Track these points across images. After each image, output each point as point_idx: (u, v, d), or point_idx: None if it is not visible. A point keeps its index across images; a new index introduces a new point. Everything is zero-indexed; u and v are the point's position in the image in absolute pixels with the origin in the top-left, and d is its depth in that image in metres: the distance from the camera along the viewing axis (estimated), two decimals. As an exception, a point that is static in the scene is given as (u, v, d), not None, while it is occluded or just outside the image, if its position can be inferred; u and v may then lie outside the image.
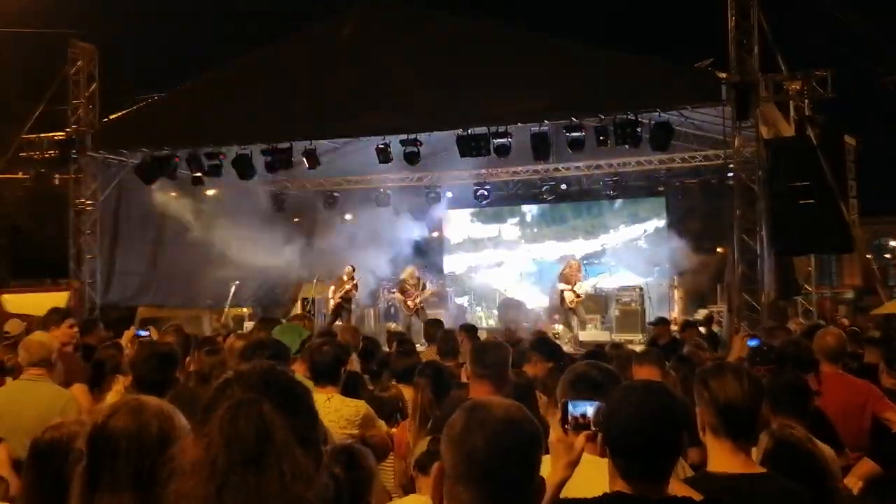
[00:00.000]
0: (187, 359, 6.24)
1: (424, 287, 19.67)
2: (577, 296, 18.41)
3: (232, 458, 1.86)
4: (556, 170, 21.96)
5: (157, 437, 2.37)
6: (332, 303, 19.33)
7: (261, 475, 1.86)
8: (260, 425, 1.91)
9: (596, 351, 8.27)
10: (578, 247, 23.95)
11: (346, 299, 19.33)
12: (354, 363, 7.02)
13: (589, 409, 2.96)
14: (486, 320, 22.87)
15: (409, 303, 19.31)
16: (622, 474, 2.95)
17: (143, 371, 5.25)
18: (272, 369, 2.07)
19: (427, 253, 24.07)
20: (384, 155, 17.12)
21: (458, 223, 25.67)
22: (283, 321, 9.89)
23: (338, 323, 17.72)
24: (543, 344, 7.72)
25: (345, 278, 19.35)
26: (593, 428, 2.94)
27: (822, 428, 4.86)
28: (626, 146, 15.77)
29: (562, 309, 19.18)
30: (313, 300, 20.47)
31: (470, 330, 9.99)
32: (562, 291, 18.74)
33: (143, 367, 5.28)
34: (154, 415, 2.42)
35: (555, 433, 2.95)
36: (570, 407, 2.98)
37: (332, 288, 19.51)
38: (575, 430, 2.94)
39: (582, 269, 19.26)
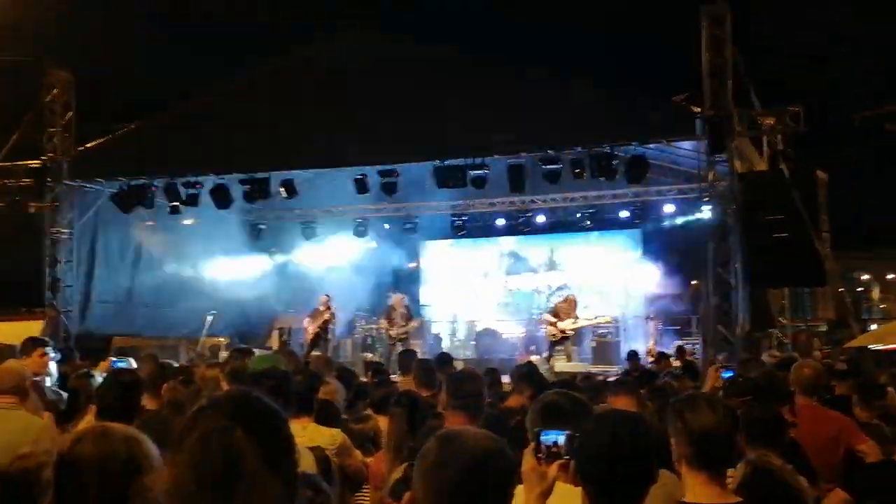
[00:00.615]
0: (163, 387, 6.18)
1: (411, 318, 19.56)
2: (561, 331, 18.37)
3: (200, 486, 1.83)
4: (533, 201, 22.05)
5: (125, 463, 2.33)
6: (309, 333, 19.23)
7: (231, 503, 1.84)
8: (230, 453, 1.88)
9: (567, 381, 8.26)
10: (554, 278, 24.04)
11: (324, 329, 19.22)
12: (336, 393, 6.96)
13: (560, 437, 2.96)
14: (462, 351, 22.84)
15: (393, 332, 19.12)
16: (595, 503, 2.95)
17: (108, 400, 5.20)
18: (247, 396, 2.04)
19: (404, 283, 24.04)
20: (362, 186, 17.16)
21: (435, 254, 25.68)
22: (256, 351, 9.84)
23: (314, 353, 17.63)
24: (530, 375, 7.70)
25: (321, 308, 19.25)
26: (565, 457, 2.94)
27: (797, 459, 4.86)
28: (602, 179, 15.86)
29: (545, 340, 19.30)
30: (290, 330, 20.39)
31: (445, 361, 9.97)
32: (550, 323, 18.82)
33: (108, 395, 5.23)
34: (121, 440, 2.38)
35: (527, 463, 2.94)
36: (541, 436, 2.97)
37: (308, 319, 19.36)
38: (547, 460, 2.93)
39: (577, 306, 19.14)
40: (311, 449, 4.96)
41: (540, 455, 2.93)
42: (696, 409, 3.44)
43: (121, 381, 5.37)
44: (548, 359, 18.34)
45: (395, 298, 19.76)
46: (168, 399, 6.41)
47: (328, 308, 19.18)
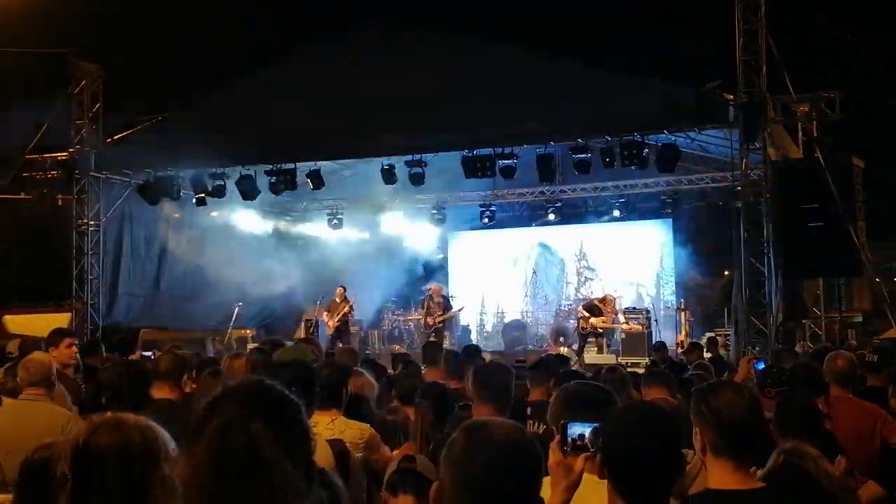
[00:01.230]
0: (183, 378, 6.20)
1: (448, 307, 19.85)
2: (593, 327, 18.45)
3: (221, 477, 1.83)
4: (563, 191, 21.98)
5: (142, 449, 2.34)
6: (329, 327, 19.28)
7: (251, 493, 1.84)
8: (249, 442, 1.89)
9: (594, 374, 8.23)
10: (584, 268, 23.99)
11: (344, 322, 19.29)
12: (368, 386, 6.97)
13: (587, 430, 2.93)
14: (490, 342, 22.86)
15: (430, 319, 19.41)
16: (622, 496, 2.92)
17: (115, 389, 5.22)
18: (263, 385, 2.04)
19: (432, 274, 24.05)
20: (389, 176, 17.16)
21: (464, 244, 25.69)
22: (287, 343, 9.87)
23: (341, 345, 17.71)
24: (545, 365, 7.66)
25: (337, 300, 19.32)
26: (592, 449, 2.91)
27: (832, 451, 4.81)
28: (633, 167, 15.77)
29: (575, 331, 19.38)
30: (317, 322, 20.46)
31: (474, 353, 9.96)
32: (583, 317, 18.85)
33: (114, 384, 5.25)
34: (135, 428, 2.39)
35: (554, 456, 2.92)
36: (568, 429, 2.95)
37: (326, 313, 19.41)
38: (574, 452, 2.91)
39: (618, 307, 19.28)
40: (331, 442, 4.95)
41: (566, 448, 2.91)
42: (722, 395, 3.40)
43: (128, 370, 5.40)
44: (578, 350, 18.31)
45: (435, 287, 19.99)
46: (194, 391, 6.44)
47: (345, 300, 19.26)
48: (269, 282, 21.24)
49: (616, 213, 21.68)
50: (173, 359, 6.22)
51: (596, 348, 19.11)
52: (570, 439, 2.92)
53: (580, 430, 2.93)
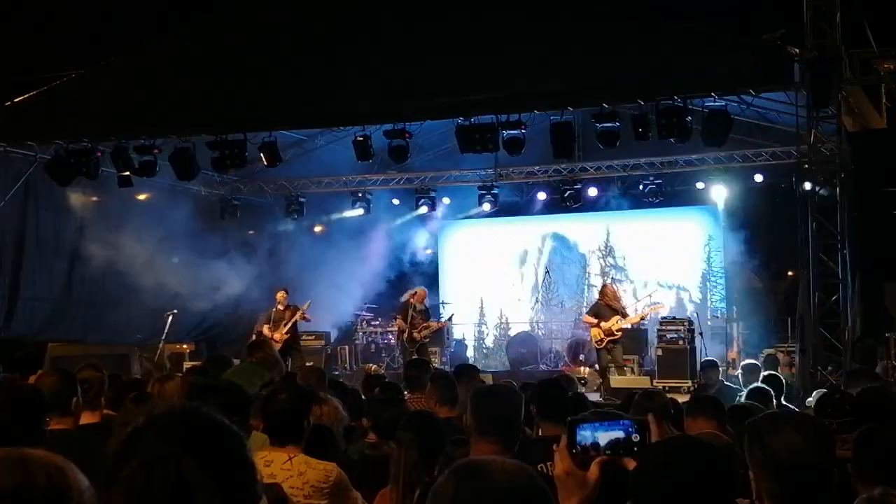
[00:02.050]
0: (73, 401, 6.19)
1: (427, 316, 19.78)
2: (607, 332, 18.37)
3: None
4: (584, 170, 21.96)
5: (46, 494, 2.31)
6: (275, 343, 18.86)
7: None
8: (178, 485, 1.86)
9: (625, 402, 8.22)
10: (611, 268, 24.00)
11: (293, 334, 18.99)
12: (333, 416, 6.93)
13: (603, 435, 2.92)
14: (492, 361, 22.85)
15: (416, 334, 19.29)
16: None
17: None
18: (194, 412, 2.00)
19: (417, 275, 24.06)
20: (363, 150, 17.13)
21: (458, 237, 25.70)
22: (237, 362, 9.86)
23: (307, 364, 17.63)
24: (542, 396, 7.60)
25: (280, 308, 18.97)
26: (606, 453, 2.90)
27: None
28: (673, 140, 15.75)
29: (589, 348, 19.30)
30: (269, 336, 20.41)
31: (471, 373, 9.94)
32: (592, 326, 18.77)
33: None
34: (41, 468, 2.36)
35: (562, 463, 2.90)
36: (578, 431, 2.93)
37: (267, 326, 18.78)
38: (585, 459, 2.89)
39: (620, 297, 19.27)
40: (266, 486, 4.90)
41: (575, 451, 2.89)
42: (780, 430, 3.36)
43: (17, 396, 5.34)
44: (601, 371, 18.32)
45: (418, 293, 19.87)
46: (115, 419, 6.41)
47: (291, 307, 18.94)
48: (213, 284, 21.17)
49: (651, 197, 21.66)
50: (55, 379, 6.20)
51: (626, 366, 19.14)
52: (580, 445, 2.91)
53: (593, 435, 2.92)
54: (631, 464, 2.90)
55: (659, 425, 3.17)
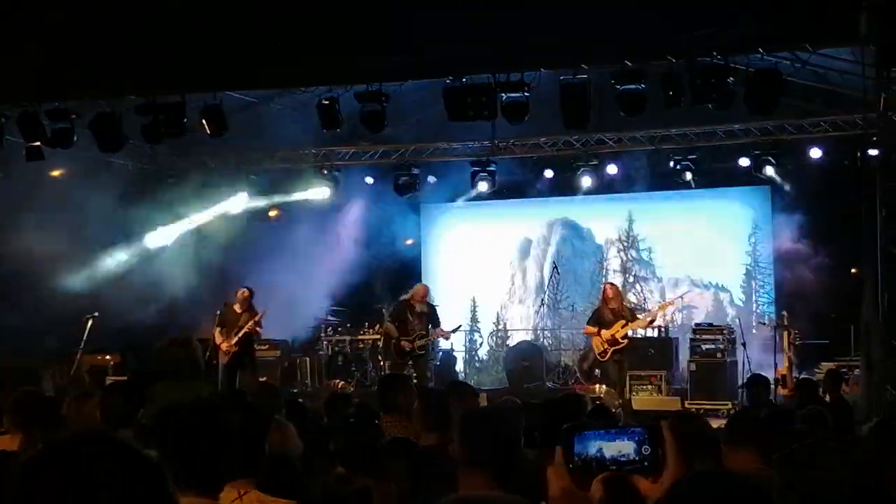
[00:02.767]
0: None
1: (435, 321, 19.67)
2: (612, 343, 18.46)
3: None
4: (602, 142, 21.95)
5: None
6: (222, 352, 18.73)
7: None
8: None
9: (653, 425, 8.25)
10: (634, 264, 24.05)
11: (247, 343, 18.92)
12: (291, 443, 6.96)
13: (609, 446, 2.91)
14: (487, 376, 22.88)
15: (405, 343, 19.10)
16: None
17: None
18: (104, 440, 2.02)
19: (397, 271, 24.07)
20: (329, 116, 17.12)
21: (446, 225, 25.82)
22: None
23: (261, 379, 17.63)
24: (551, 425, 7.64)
25: (237, 309, 18.94)
26: (611, 467, 2.88)
27: None
28: (711, 107, 15.78)
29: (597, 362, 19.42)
30: (216, 345, 20.33)
31: (464, 393, 9.96)
32: (594, 336, 18.93)
33: None
34: None
35: (558, 482, 2.90)
36: (576, 441, 2.92)
37: (219, 330, 18.88)
38: (584, 474, 2.88)
39: (621, 297, 19.28)
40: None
41: (573, 466, 2.88)
42: (820, 462, 3.38)
43: None
44: (619, 388, 18.40)
45: (418, 290, 19.71)
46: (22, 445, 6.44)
47: (250, 309, 18.87)
48: (144, 281, 21.12)
49: (685, 176, 21.65)
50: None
51: (651, 384, 19.23)
52: (579, 458, 2.89)
53: (596, 445, 2.90)
54: (642, 482, 2.88)
55: (677, 441, 3.15)
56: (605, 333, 18.45)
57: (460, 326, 21.59)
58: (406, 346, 19.33)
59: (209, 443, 4.91)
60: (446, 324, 20.43)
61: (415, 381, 17.01)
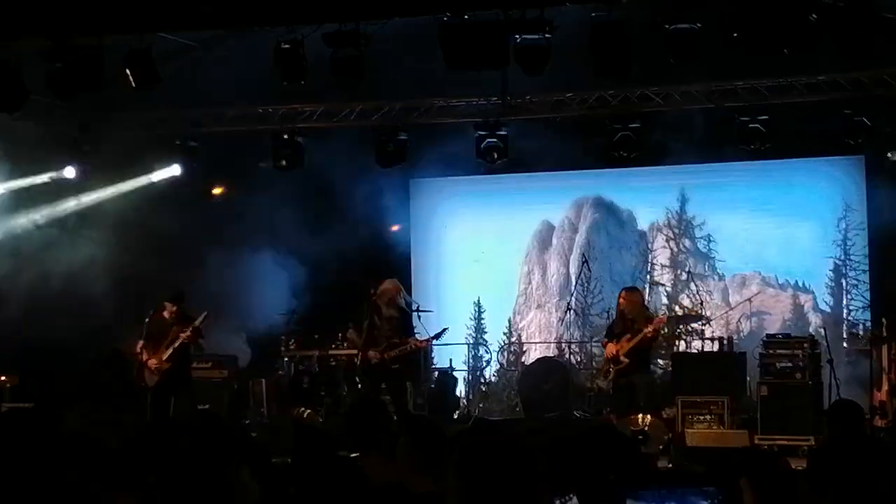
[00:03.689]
0: None
1: (408, 329, 19.44)
2: (614, 361, 18.63)
3: None
4: (644, 99, 21.96)
5: None
6: (150, 370, 18.68)
7: None
8: None
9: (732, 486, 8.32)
10: (688, 256, 24.10)
11: (181, 360, 18.90)
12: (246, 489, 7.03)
13: None
14: (496, 402, 22.96)
15: (374, 352, 18.88)
16: None
17: None
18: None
19: (380, 266, 24.12)
20: (291, 65, 17.19)
21: (443, 206, 25.94)
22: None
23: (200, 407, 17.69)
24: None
25: (166, 316, 18.94)
26: None
27: None
28: (786, 51, 15.85)
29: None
30: (141, 363, 20.35)
31: (475, 427, 10.02)
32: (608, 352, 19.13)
33: None
34: None
35: None
36: None
37: (143, 344, 18.97)
38: None
39: (638, 304, 19.31)
40: None
41: None
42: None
43: None
44: (654, 415, 18.50)
45: (386, 287, 19.44)
46: None
47: (182, 318, 18.86)
48: (50, 277, 21.18)
49: (753, 143, 21.64)
50: None
51: (709, 413, 19.29)
52: None
53: None
54: None
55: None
56: (610, 348, 18.65)
57: (445, 331, 21.01)
58: (373, 358, 19.09)
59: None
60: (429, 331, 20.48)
61: (391, 408, 17.01)
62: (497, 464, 5.54)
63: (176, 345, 18.65)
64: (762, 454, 10.80)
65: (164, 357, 18.55)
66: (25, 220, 21.94)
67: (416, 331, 20.12)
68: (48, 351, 22.62)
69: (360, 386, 19.76)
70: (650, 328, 19.10)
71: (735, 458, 7.12)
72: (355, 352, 19.87)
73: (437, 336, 20.71)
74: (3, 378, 20.78)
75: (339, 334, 22.09)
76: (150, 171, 23.24)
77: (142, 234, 22.85)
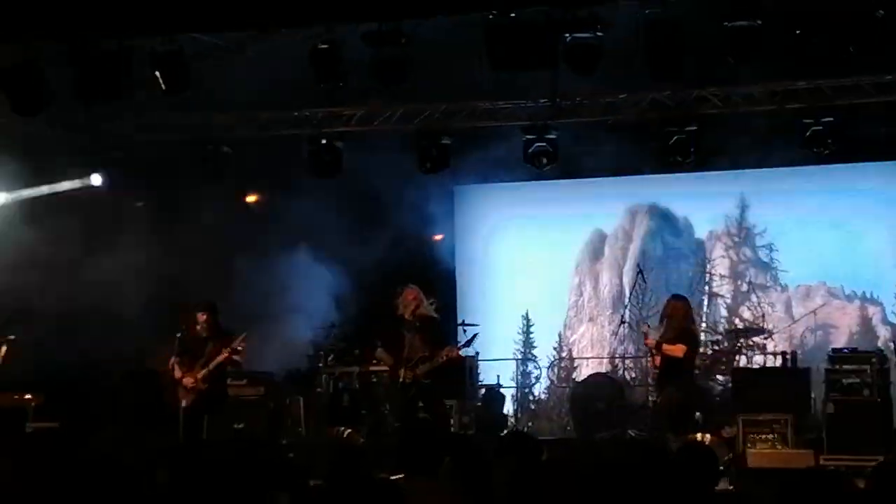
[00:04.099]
0: None
1: (438, 337, 19.13)
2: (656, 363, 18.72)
3: None
4: (702, 101, 21.89)
5: None
6: (186, 390, 18.60)
7: None
8: None
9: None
10: (749, 266, 24.05)
11: (219, 380, 18.83)
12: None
13: None
14: (547, 420, 22.92)
15: (403, 372, 18.62)
16: None
17: None
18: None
19: (421, 277, 24.09)
20: (329, 66, 17.19)
21: (488, 214, 25.95)
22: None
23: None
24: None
25: (199, 330, 19.03)
26: None
27: None
28: (851, 50, 15.79)
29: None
30: (175, 380, 20.34)
31: (525, 449, 9.95)
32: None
33: None
34: None
35: None
36: None
37: (176, 361, 18.88)
38: None
39: (682, 313, 19.23)
40: None
41: None
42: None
43: None
44: (720, 432, 18.47)
45: (408, 295, 19.23)
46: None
47: (211, 335, 18.82)
48: (78, 291, 21.21)
49: (819, 147, 21.52)
50: None
51: (773, 433, 19.21)
52: None
53: None
54: None
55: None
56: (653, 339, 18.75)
57: (476, 336, 20.73)
58: (403, 378, 18.95)
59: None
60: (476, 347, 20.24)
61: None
62: (547, 489, 5.54)
63: (211, 366, 18.63)
64: (827, 475, 10.74)
65: (200, 376, 18.52)
66: (51, 230, 21.95)
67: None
68: (76, 367, 22.72)
69: (386, 410, 19.68)
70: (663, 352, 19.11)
71: (797, 481, 7.03)
72: (388, 367, 19.77)
73: (469, 343, 20.44)
74: (28, 396, 20.82)
75: (368, 353, 21.97)
76: (185, 178, 23.23)
77: (174, 244, 22.90)
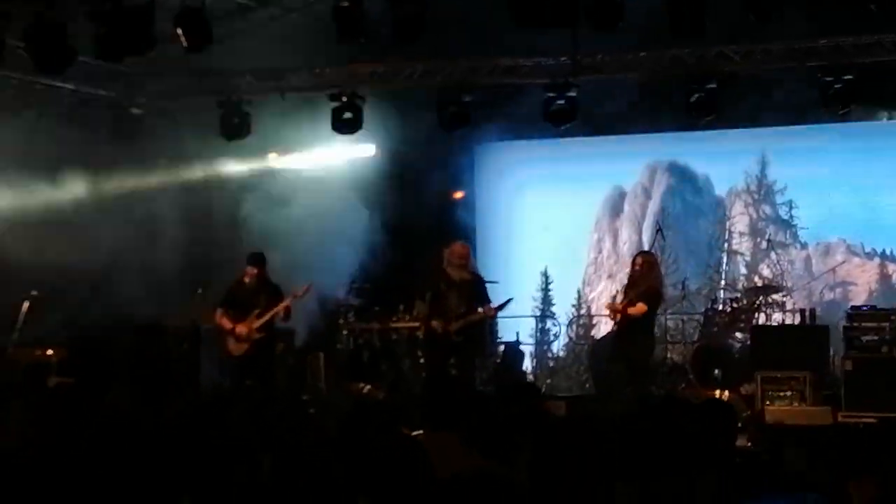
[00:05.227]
0: None
1: (483, 295, 18.78)
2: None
3: None
4: (722, 58, 21.80)
5: None
6: (238, 340, 18.78)
7: None
8: None
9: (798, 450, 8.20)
10: (769, 223, 23.97)
11: (269, 334, 18.93)
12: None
13: None
14: (565, 379, 22.90)
15: (439, 323, 18.17)
16: None
17: None
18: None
19: (441, 235, 24.02)
20: (350, 23, 17.12)
21: (508, 171, 25.95)
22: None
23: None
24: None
25: (247, 281, 19.00)
26: None
27: None
28: (873, 7, 15.69)
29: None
30: (224, 331, 20.26)
31: (530, 400, 9.94)
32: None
33: None
34: None
35: None
36: None
37: (221, 311, 19.13)
38: None
39: (648, 269, 19.15)
40: None
41: None
42: None
43: None
44: (731, 391, 18.44)
45: (456, 249, 18.71)
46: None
47: (262, 286, 18.85)
48: (102, 251, 21.18)
49: (838, 104, 21.40)
50: None
51: (790, 390, 19.15)
52: None
53: None
54: None
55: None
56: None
57: (510, 301, 20.03)
58: (437, 328, 18.46)
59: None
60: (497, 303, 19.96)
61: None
62: (568, 445, 5.50)
63: (268, 316, 18.84)
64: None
65: (256, 326, 18.64)
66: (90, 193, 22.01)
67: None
68: (103, 323, 22.73)
69: (421, 360, 19.62)
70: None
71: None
72: (417, 325, 19.65)
73: (502, 307, 19.79)
74: (50, 352, 20.83)
75: (400, 307, 21.96)
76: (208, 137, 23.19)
77: (194, 207, 22.90)
